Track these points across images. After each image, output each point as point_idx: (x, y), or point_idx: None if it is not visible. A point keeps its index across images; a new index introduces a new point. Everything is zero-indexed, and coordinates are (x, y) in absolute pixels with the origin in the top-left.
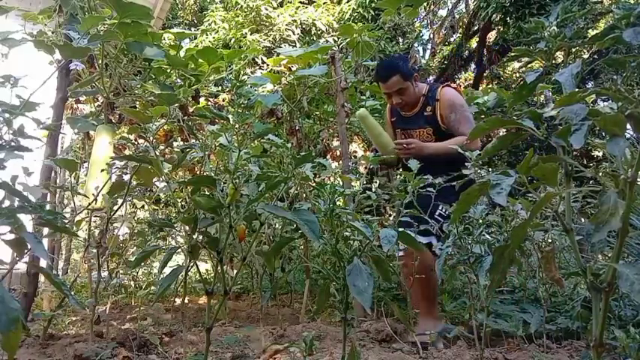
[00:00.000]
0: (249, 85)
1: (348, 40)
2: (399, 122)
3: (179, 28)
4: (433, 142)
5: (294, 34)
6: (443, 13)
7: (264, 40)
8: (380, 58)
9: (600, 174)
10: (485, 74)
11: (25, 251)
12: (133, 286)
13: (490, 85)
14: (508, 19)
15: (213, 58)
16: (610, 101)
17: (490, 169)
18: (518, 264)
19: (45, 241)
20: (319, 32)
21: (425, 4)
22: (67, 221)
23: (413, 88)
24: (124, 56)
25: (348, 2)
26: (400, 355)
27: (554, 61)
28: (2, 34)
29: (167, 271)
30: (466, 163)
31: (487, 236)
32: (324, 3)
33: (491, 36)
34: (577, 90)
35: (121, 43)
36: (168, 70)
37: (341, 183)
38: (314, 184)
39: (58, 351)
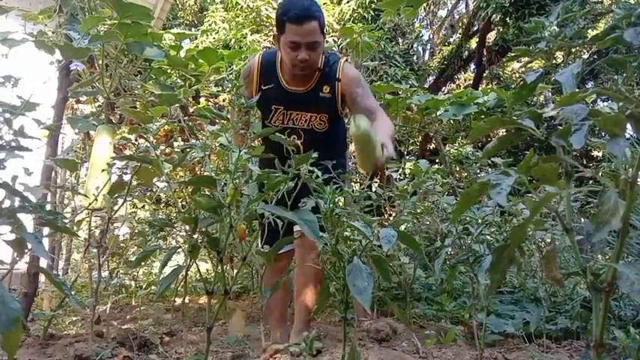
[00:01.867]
0: None
1: (348, 40)
2: (279, 97)
3: (179, 29)
4: (326, 130)
5: None
6: (443, 13)
7: (265, 40)
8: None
9: (600, 174)
10: (484, 74)
11: (26, 251)
12: (134, 285)
13: (490, 86)
14: (508, 19)
15: (214, 59)
16: (610, 101)
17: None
18: (518, 264)
19: (45, 241)
20: None
21: (425, 4)
22: (67, 221)
23: (321, 51)
24: (124, 56)
25: (348, 2)
26: (400, 354)
27: (554, 61)
28: (2, 34)
29: (167, 270)
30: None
31: (487, 236)
32: (324, 3)
33: (491, 36)
34: (577, 90)
35: (121, 43)
36: (169, 71)
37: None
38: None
39: (58, 351)
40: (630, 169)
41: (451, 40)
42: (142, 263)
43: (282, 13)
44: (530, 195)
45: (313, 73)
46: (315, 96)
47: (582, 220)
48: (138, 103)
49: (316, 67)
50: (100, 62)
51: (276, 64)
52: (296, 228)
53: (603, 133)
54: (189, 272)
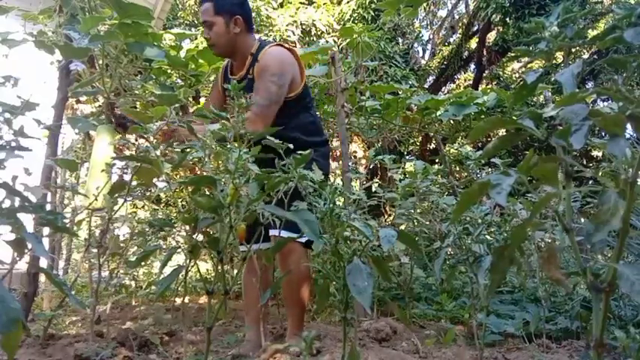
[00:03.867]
0: None
1: (348, 40)
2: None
3: (179, 29)
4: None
5: (294, 34)
6: (443, 13)
7: (264, 40)
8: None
9: (600, 174)
10: (484, 74)
11: (26, 251)
12: (134, 285)
13: (490, 86)
14: (508, 19)
15: (214, 59)
16: (610, 101)
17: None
18: (518, 264)
19: (45, 241)
20: (319, 33)
21: (425, 4)
22: (67, 221)
23: (227, 31)
24: (124, 57)
25: (348, 3)
26: (400, 354)
27: (554, 62)
28: (2, 34)
29: (167, 270)
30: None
31: (487, 237)
32: (324, 3)
33: (491, 36)
34: (577, 90)
35: (121, 43)
36: (169, 71)
37: (341, 183)
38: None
39: (58, 351)
40: (630, 169)
41: (451, 40)
42: (142, 263)
43: None
44: (530, 195)
45: (243, 57)
46: (249, 81)
47: (582, 220)
48: (138, 103)
49: (219, 48)
50: (100, 62)
51: None
52: (272, 232)
53: (603, 133)
54: (189, 272)
